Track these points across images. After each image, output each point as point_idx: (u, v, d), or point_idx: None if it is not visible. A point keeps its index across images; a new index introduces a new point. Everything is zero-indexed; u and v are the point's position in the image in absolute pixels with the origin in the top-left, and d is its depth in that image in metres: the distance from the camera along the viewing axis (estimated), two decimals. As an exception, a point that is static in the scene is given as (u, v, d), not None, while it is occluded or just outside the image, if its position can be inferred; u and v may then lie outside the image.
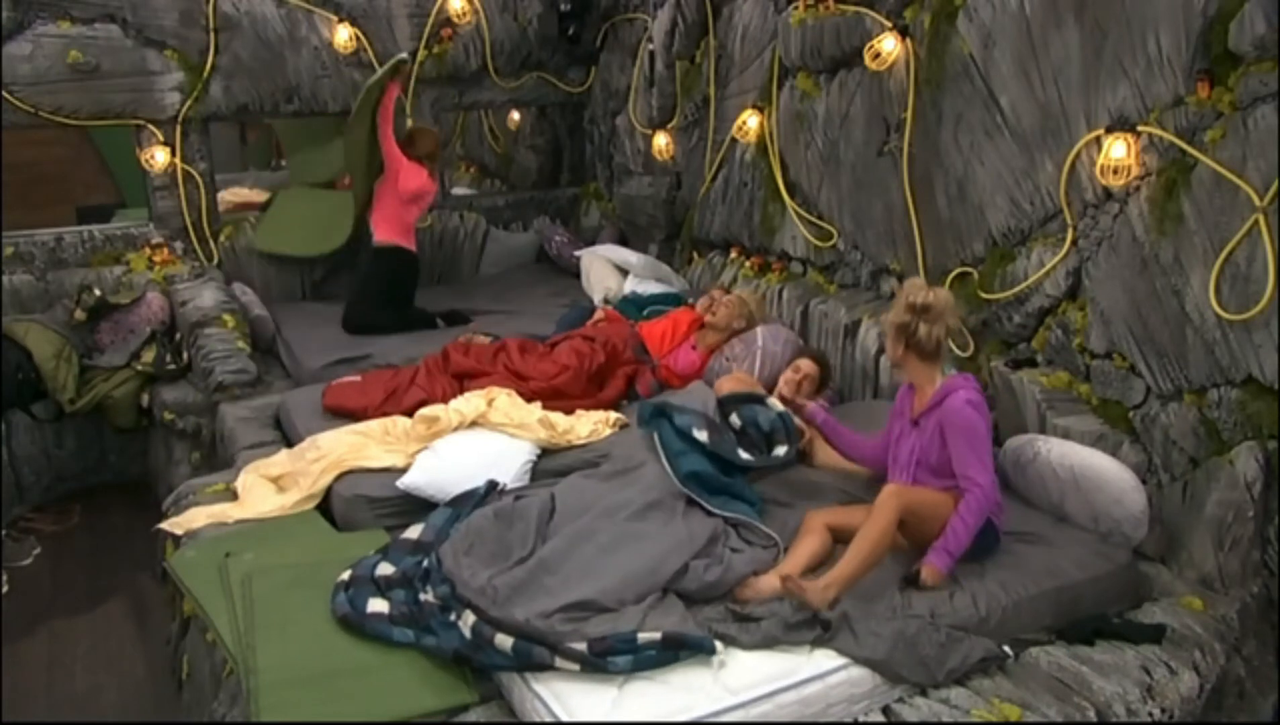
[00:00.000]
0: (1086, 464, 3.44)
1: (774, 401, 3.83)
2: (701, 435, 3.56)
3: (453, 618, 2.94)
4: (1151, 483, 3.49)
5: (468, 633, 2.87)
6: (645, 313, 5.43)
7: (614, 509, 3.27)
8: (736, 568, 3.10)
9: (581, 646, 2.73)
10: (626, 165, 6.67)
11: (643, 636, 2.76)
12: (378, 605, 3.02)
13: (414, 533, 3.35)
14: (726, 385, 4.14)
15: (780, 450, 3.69)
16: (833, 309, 4.82)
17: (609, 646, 2.73)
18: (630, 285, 5.92)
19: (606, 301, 5.83)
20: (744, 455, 3.60)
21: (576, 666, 2.72)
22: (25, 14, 5.37)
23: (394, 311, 5.60)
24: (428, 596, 3.03)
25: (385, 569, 3.16)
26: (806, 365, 4.25)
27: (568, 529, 3.21)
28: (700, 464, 3.48)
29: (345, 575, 3.16)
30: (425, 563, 3.17)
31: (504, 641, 2.79)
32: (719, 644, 2.81)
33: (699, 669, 2.76)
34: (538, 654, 2.74)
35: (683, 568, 3.06)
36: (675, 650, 2.77)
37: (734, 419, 3.77)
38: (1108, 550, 3.32)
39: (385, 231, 5.59)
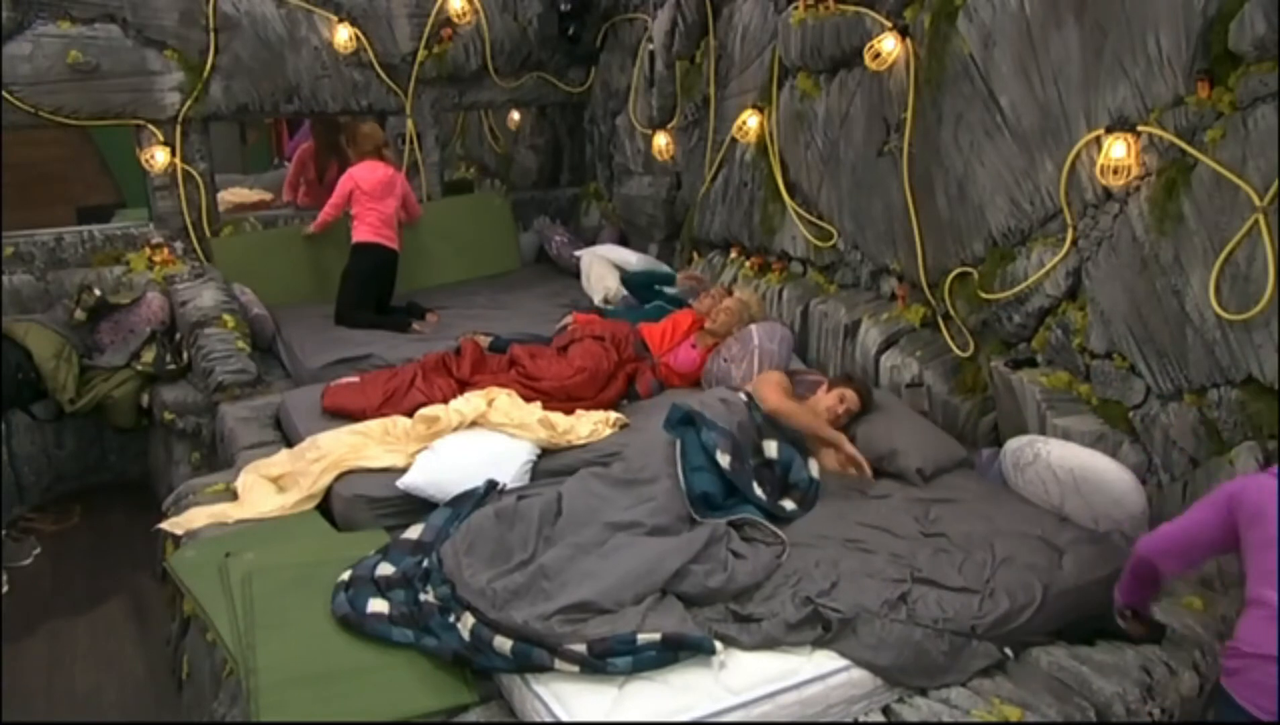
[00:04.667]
0: (1086, 466, 3.44)
1: (814, 463, 3.73)
2: (724, 460, 3.51)
3: (452, 619, 2.94)
4: (1151, 483, 3.49)
5: (467, 634, 2.87)
6: (648, 308, 5.44)
7: (620, 527, 3.25)
8: (739, 577, 3.08)
9: (581, 648, 2.73)
10: (626, 165, 6.67)
11: (642, 637, 2.75)
12: (378, 605, 3.02)
13: (414, 533, 3.35)
14: (772, 395, 3.91)
15: (789, 505, 3.60)
16: (833, 309, 4.82)
17: (608, 648, 2.73)
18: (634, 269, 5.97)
19: (606, 301, 5.84)
20: (758, 492, 3.54)
21: (576, 668, 2.72)
22: (25, 14, 5.37)
23: (369, 310, 5.70)
24: (428, 597, 3.04)
25: (385, 569, 3.16)
26: (851, 398, 4.04)
27: (571, 538, 3.19)
28: (712, 485, 3.45)
29: (345, 575, 3.16)
30: (425, 563, 3.17)
31: (503, 644, 2.79)
32: (719, 644, 2.81)
33: (700, 669, 2.76)
34: (537, 656, 2.74)
35: (682, 569, 3.06)
36: (675, 650, 2.77)
37: (770, 447, 3.70)
38: (1109, 552, 3.32)
39: (363, 231, 5.72)
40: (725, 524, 3.33)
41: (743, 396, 3.90)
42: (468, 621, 2.89)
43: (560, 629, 2.78)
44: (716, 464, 3.50)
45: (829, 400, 3.99)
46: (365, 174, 5.70)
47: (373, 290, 5.76)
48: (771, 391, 3.93)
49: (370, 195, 5.68)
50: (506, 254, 6.84)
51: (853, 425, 4.04)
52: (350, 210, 5.75)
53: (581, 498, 3.42)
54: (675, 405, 3.74)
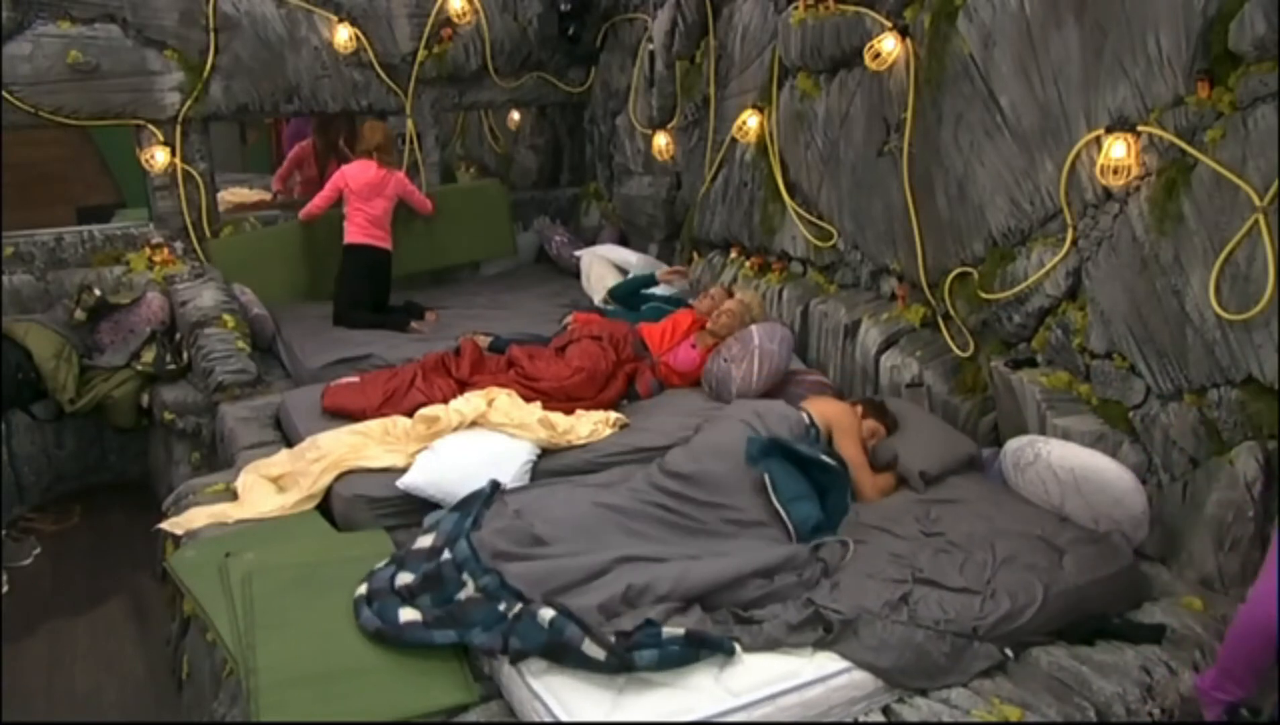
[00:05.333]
0: (1086, 466, 3.44)
1: (849, 496, 3.67)
2: (825, 458, 3.50)
3: (501, 607, 2.90)
4: (1151, 483, 3.49)
5: (513, 613, 2.85)
6: (645, 309, 5.44)
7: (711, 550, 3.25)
8: (781, 593, 3.07)
9: (611, 637, 2.73)
10: (626, 165, 6.67)
11: (667, 630, 2.76)
12: (410, 615, 2.96)
13: (426, 542, 3.25)
14: (870, 489, 3.79)
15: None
16: (833, 309, 4.82)
17: (635, 641, 2.73)
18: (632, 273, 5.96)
19: (606, 302, 5.83)
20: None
21: (603, 654, 2.70)
22: (25, 14, 5.37)
23: (367, 310, 5.69)
24: (468, 593, 2.98)
25: (405, 578, 3.08)
26: (881, 433, 4.01)
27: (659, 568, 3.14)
28: (816, 512, 3.43)
29: (362, 589, 3.08)
30: (453, 555, 3.10)
31: (545, 614, 2.78)
32: (736, 645, 2.81)
33: (700, 670, 2.76)
34: (570, 633, 2.72)
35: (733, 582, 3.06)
36: (697, 648, 2.76)
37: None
38: (1110, 552, 3.32)
39: (352, 232, 5.72)
40: (810, 551, 3.27)
41: (804, 417, 3.89)
42: (517, 608, 2.87)
43: (595, 616, 2.79)
44: (807, 480, 3.48)
45: (864, 434, 3.97)
46: (356, 173, 5.70)
47: (367, 290, 5.75)
48: (868, 483, 3.80)
49: (358, 195, 5.68)
50: (502, 240, 6.77)
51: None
52: (342, 209, 5.75)
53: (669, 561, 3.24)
54: (752, 440, 3.59)
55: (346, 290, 5.70)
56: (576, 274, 6.40)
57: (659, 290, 5.73)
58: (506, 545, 3.09)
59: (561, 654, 2.73)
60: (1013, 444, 3.73)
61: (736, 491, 3.49)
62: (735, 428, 3.73)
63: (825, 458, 3.52)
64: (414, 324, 5.64)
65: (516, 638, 2.79)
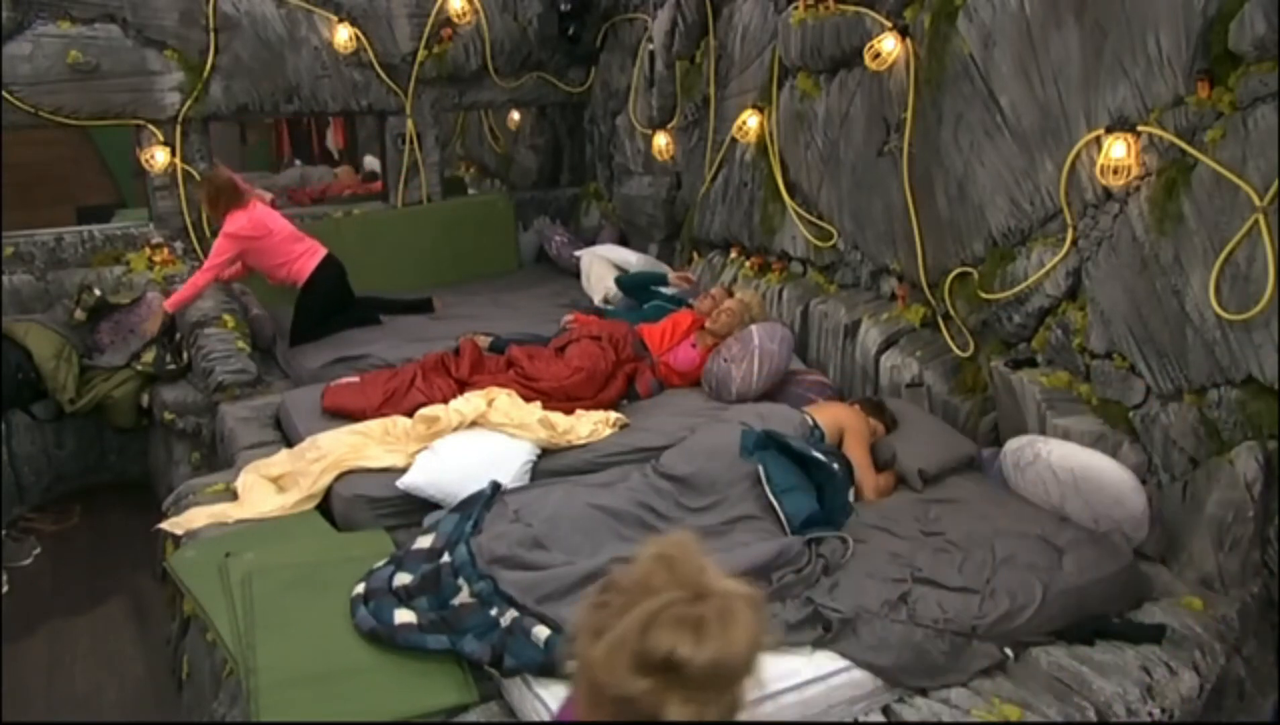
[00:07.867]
0: (1086, 466, 3.44)
1: (853, 491, 3.60)
2: (819, 455, 3.46)
3: (494, 613, 2.88)
4: (1151, 483, 3.49)
5: (507, 622, 2.84)
6: (647, 308, 5.44)
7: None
8: (780, 592, 3.04)
9: None
10: (626, 165, 6.67)
11: None
12: (405, 616, 2.95)
13: (425, 542, 3.24)
14: (870, 491, 3.78)
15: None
16: (833, 309, 4.82)
17: None
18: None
19: (606, 301, 5.84)
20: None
21: None
22: (25, 14, 5.37)
23: (339, 317, 5.53)
24: (462, 598, 2.97)
25: (403, 579, 3.07)
26: (881, 432, 4.02)
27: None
28: (810, 504, 3.38)
29: (359, 589, 3.08)
30: (451, 558, 3.08)
31: (540, 632, 2.77)
32: None
33: (699, 669, 2.76)
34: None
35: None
36: None
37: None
38: (1110, 551, 3.32)
39: (304, 264, 5.40)
40: (803, 543, 3.24)
41: (809, 419, 3.90)
42: (509, 615, 2.86)
43: None
44: (805, 476, 3.45)
45: (864, 431, 3.97)
46: (268, 215, 5.33)
47: (331, 309, 5.51)
48: (871, 486, 3.78)
49: (292, 235, 5.37)
50: (506, 254, 6.88)
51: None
52: (261, 264, 5.37)
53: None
54: (746, 431, 3.60)
55: (316, 318, 5.41)
56: (576, 274, 6.40)
57: (664, 289, 5.74)
58: (504, 549, 3.08)
59: (559, 672, 2.71)
60: (1013, 444, 3.73)
61: (729, 486, 3.50)
62: (732, 428, 3.73)
63: (819, 454, 3.51)
64: (383, 319, 5.66)
65: (511, 655, 2.78)
